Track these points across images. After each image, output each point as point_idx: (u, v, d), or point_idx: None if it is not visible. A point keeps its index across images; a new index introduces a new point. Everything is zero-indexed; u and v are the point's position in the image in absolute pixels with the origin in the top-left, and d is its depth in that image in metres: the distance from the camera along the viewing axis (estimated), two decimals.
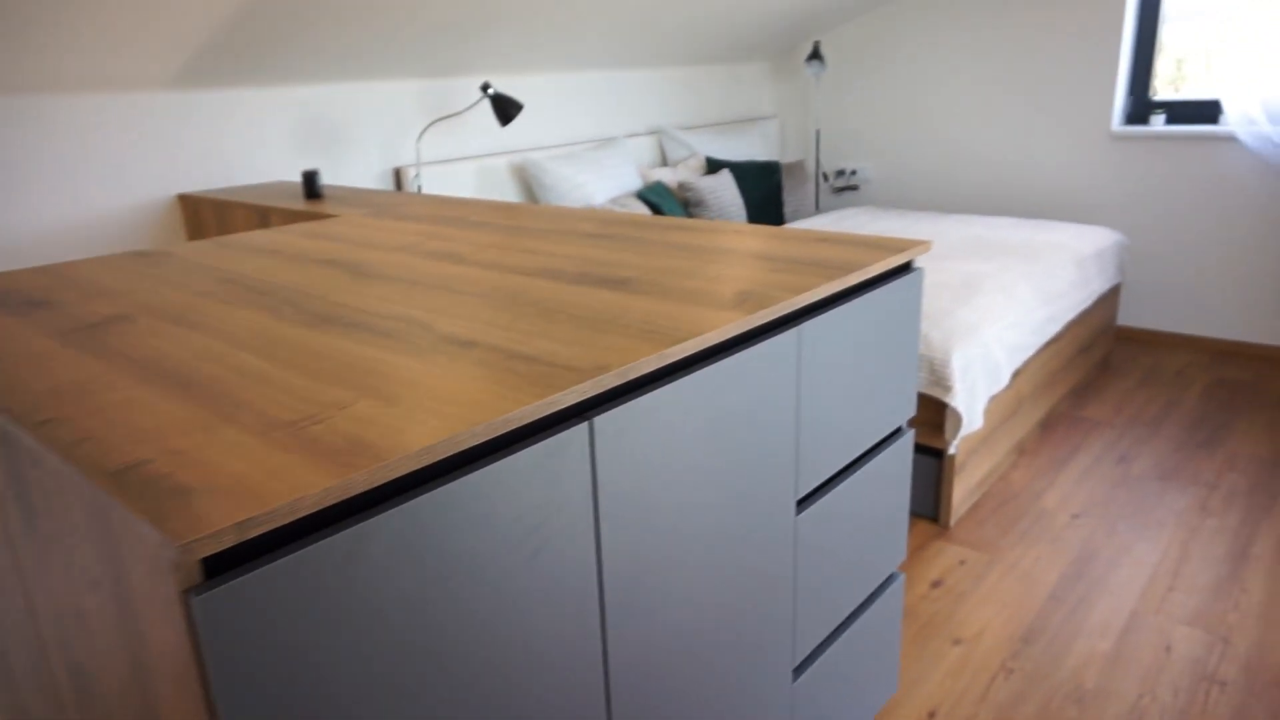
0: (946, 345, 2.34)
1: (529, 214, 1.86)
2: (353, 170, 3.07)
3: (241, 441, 0.75)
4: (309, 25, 2.51)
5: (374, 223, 1.87)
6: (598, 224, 1.68)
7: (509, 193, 3.46)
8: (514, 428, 0.80)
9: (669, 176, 3.96)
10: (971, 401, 2.34)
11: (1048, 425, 3.13)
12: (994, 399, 2.58)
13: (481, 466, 0.78)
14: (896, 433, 1.49)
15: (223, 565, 0.64)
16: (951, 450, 2.37)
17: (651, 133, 4.21)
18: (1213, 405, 3.25)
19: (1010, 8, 4.04)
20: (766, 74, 4.97)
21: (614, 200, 3.51)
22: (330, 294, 1.24)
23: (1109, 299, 3.56)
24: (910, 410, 1.50)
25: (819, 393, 1.21)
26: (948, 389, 2.29)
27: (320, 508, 0.66)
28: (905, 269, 1.40)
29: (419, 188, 3.05)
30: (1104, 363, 3.67)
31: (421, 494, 0.74)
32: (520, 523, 0.83)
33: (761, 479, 1.13)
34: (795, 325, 1.13)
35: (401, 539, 0.73)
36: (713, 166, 4.14)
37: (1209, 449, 2.90)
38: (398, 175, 3.17)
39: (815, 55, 4.37)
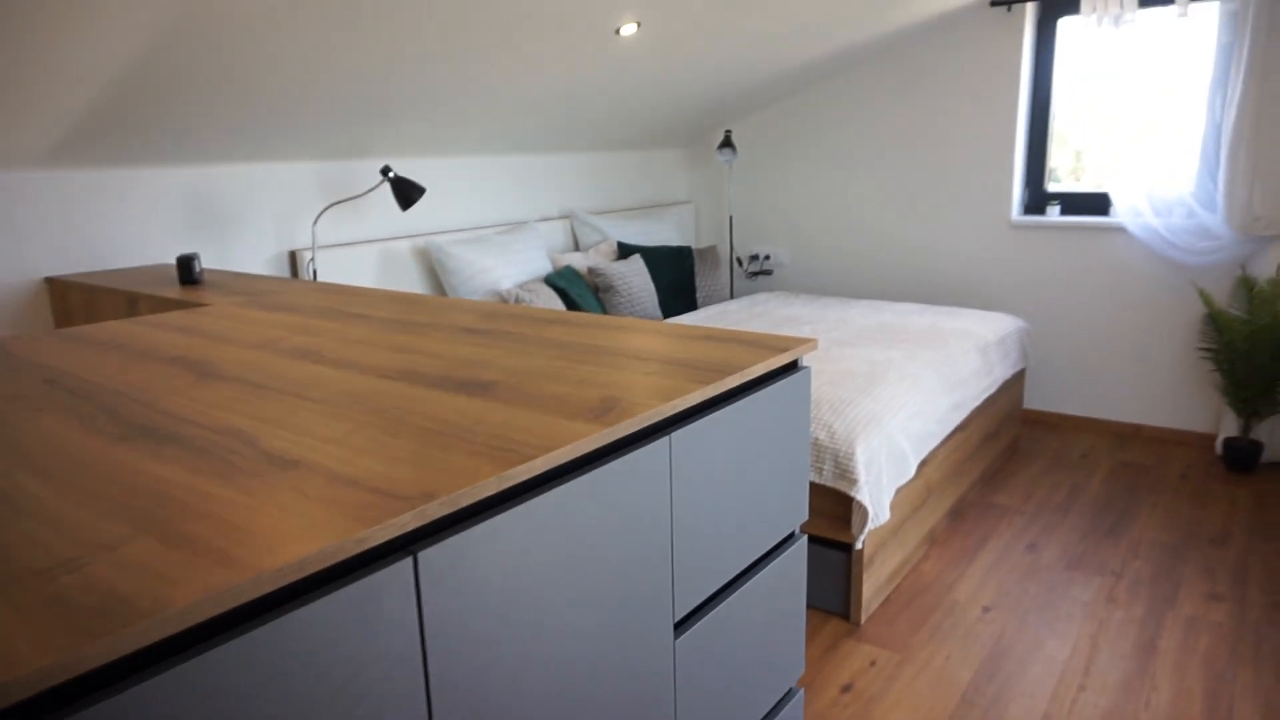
0: (850, 437, 2.29)
1: (410, 305, 1.77)
2: (244, 254, 2.94)
3: None
4: (194, 104, 2.41)
5: (243, 313, 1.75)
6: (478, 317, 1.60)
7: (412, 277, 3.36)
8: (311, 572, 0.69)
9: (580, 261, 3.92)
10: (878, 494, 2.29)
11: (958, 513, 3.10)
12: (901, 490, 2.54)
13: (273, 618, 0.66)
14: (789, 539, 1.42)
15: None
16: (859, 545, 2.30)
17: (563, 217, 4.19)
18: (1116, 489, 3.29)
19: (912, 103, 4.18)
20: (680, 160, 5.03)
21: (522, 285, 3.44)
22: (160, 399, 1.12)
23: (1014, 384, 3.61)
24: (803, 515, 1.43)
25: (695, 505, 1.13)
26: (852, 482, 2.24)
27: (37, 691, 0.54)
28: (791, 368, 1.34)
29: (314, 272, 2.94)
30: (1012, 447, 3.70)
31: (193, 656, 0.62)
32: (326, 678, 0.71)
33: (631, 604, 1.03)
34: (666, 434, 1.05)
35: (171, 707, 0.60)
36: (625, 251, 4.12)
37: (1114, 535, 2.90)
38: (293, 259, 3.05)
39: (727, 143, 4.45)
